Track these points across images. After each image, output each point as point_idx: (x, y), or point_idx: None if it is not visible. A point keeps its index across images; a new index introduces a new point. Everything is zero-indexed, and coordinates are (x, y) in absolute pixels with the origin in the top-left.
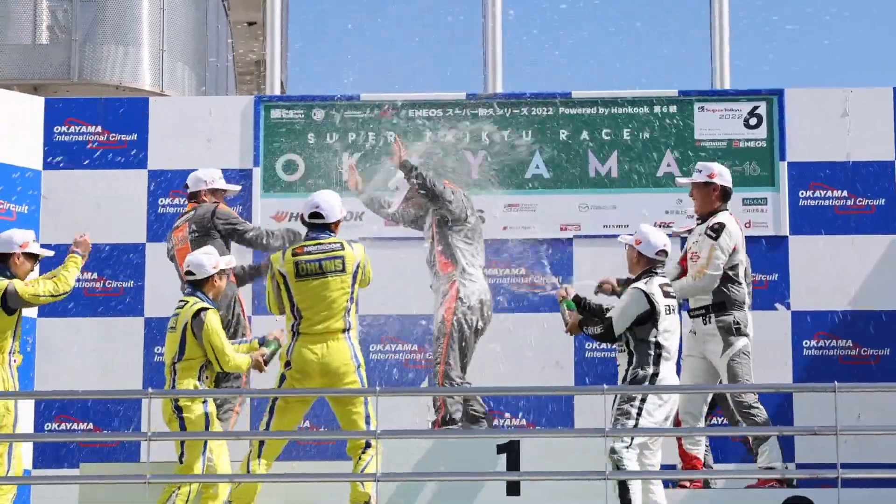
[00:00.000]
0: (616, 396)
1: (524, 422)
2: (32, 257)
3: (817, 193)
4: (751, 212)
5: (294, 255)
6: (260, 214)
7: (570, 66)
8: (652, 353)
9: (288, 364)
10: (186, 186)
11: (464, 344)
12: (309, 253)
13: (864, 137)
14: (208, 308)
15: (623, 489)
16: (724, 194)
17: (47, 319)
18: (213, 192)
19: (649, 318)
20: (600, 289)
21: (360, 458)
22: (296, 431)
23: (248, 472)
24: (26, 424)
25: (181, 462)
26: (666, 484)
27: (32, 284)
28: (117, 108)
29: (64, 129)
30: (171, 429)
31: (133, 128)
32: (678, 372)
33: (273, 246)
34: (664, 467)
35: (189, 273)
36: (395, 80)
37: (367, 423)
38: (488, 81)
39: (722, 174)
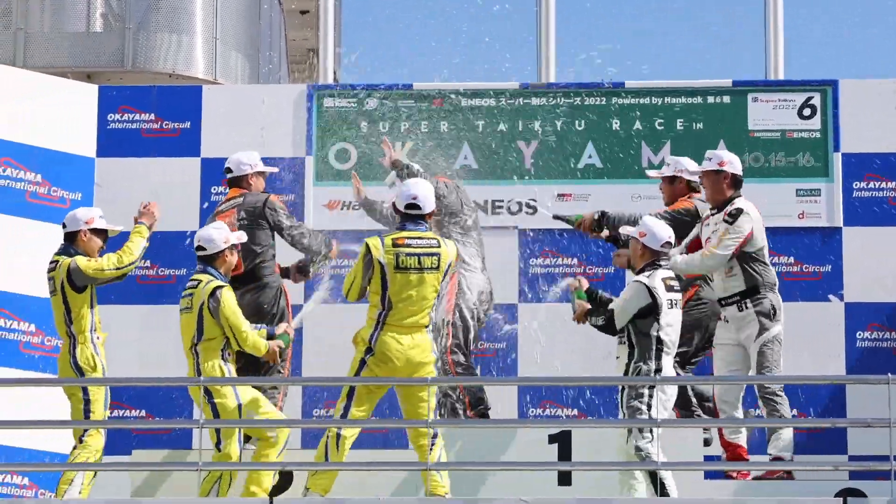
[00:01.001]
0: (623, 393)
1: (575, 412)
2: (100, 234)
3: (871, 184)
4: (804, 203)
5: (395, 245)
6: (312, 203)
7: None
8: (653, 347)
9: (370, 351)
10: (228, 170)
11: (466, 332)
12: (409, 246)
13: None
14: (223, 286)
15: (655, 482)
16: (735, 182)
17: (100, 307)
18: (257, 174)
19: (651, 312)
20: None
21: (430, 451)
22: (346, 420)
23: (327, 459)
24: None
25: (219, 450)
26: (714, 475)
27: (97, 260)
28: (170, 96)
29: (117, 116)
30: (205, 415)
31: (186, 116)
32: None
33: (309, 249)
34: (708, 458)
35: (199, 248)
36: (449, 69)
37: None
38: (542, 71)
39: (732, 162)
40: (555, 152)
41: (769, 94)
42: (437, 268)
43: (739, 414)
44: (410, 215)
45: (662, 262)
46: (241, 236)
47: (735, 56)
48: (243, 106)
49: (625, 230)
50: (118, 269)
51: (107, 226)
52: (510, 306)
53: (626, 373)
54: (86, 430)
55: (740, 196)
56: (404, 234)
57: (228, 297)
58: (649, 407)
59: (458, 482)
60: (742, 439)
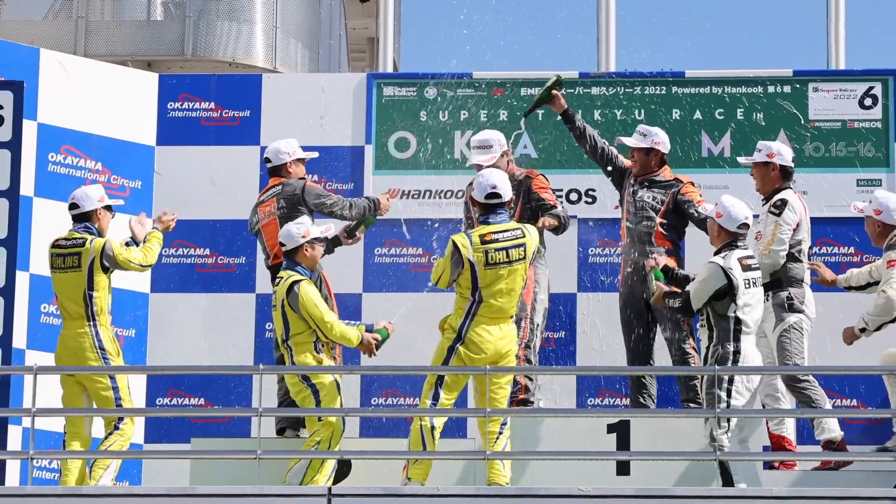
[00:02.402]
0: (704, 379)
1: None
2: (109, 210)
3: None
4: (865, 193)
5: (483, 242)
6: (372, 192)
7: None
8: (731, 328)
9: (460, 339)
10: (268, 160)
11: (537, 326)
12: (497, 241)
13: None
14: (301, 279)
15: (726, 473)
16: (784, 173)
17: (160, 295)
18: (296, 161)
19: (727, 292)
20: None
21: (495, 441)
22: (401, 407)
23: (424, 448)
24: (138, 399)
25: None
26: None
27: (128, 250)
28: (230, 84)
29: (177, 105)
30: (301, 400)
31: (246, 104)
32: None
33: (351, 216)
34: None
35: (282, 245)
36: (508, 58)
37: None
38: (601, 60)
39: (781, 153)
40: (614, 142)
41: (830, 83)
42: (524, 258)
43: (784, 405)
44: (491, 205)
45: (740, 243)
46: (327, 228)
47: (796, 45)
48: (303, 94)
49: (703, 208)
50: (141, 266)
51: (112, 201)
52: (570, 296)
53: (706, 356)
54: (121, 418)
55: (789, 188)
56: (490, 228)
57: (307, 290)
58: (729, 393)
59: (517, 472)
60: (787, 430)
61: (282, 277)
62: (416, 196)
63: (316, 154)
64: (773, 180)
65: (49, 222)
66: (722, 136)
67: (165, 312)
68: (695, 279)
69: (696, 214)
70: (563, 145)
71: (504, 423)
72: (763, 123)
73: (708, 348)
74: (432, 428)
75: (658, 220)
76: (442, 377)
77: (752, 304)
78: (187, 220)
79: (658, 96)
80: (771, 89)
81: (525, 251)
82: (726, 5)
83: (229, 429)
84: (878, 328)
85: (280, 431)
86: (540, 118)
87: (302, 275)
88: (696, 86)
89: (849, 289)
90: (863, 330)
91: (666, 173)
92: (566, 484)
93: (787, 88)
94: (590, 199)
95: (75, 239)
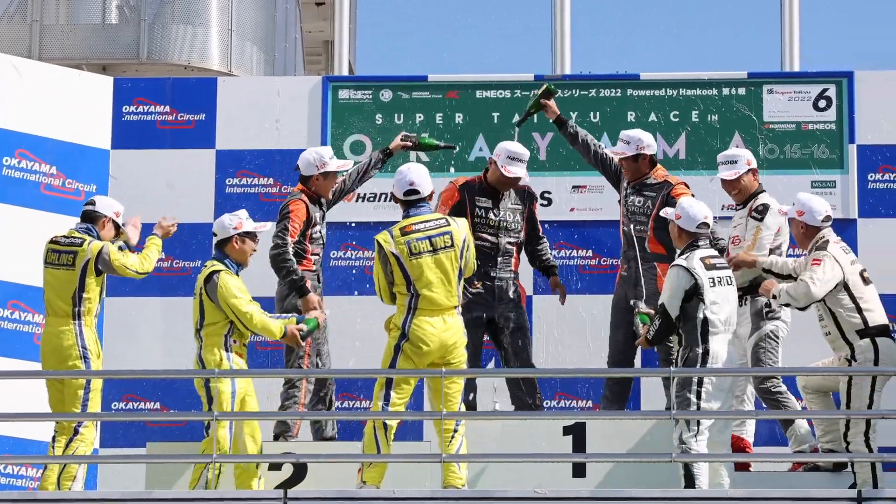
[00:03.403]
0: (674, 383)
1: (590, 404)
2: (117, 228)
3: (887, 176)
4: (819, 195)
5: (403, 234)
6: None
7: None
8: (699, 329)
9: (404, 336)
10: (297, 168)
11: None
12: (418, 231)
13: None
14: (221, 270)
15: (689, 475)
16: (755, 176)
17: (116, 299)
18: (325, 175)
19: (694, 293)
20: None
21: (451, 439)
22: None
23: (378, 449)
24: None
25: (207, 434)
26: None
27: (125, 255)
28: (185, 88)
29: (132, 108)
30: (202, 399)
31: (201, 108)
32: None
33: (367, 171)
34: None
35: (214, 234)
36: (463, 61)
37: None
38: (556, 63)
39: (751, 157)
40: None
41: (784, 85)
42: (452, 245)
43: (748, 407)
44: (412, 201)
45: (701, 243)
46: (260, 227)
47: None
48: (258, 98)
49: (664, 212)
50: (137, 272)
51: (120, 224)
52: (526, 298)
53: (676, 360)
54: (80, 422)
55: (764, 192)
56: (410, 220)
57: (227, 279)
58: (698, 395)
59: (473, 474)
60: (746, 433)
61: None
62: (371, 199)
63: (349, 163)
64: (751, 184)
65: (3, 226)
66: (677, 138)
67: (121, 316)
68: (663, 292)
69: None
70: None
71: (459, 421)
72: (718, 126)
73: (678, 352)
74: (385, 427)
75: (650, 224)
76: (389, 379)
77: (719, 303)
78: (143, 223)
79: (613, 99)
80: (726, 91)
81: (452, 239)
82: (681, 7)
83: (185, 433)
84: (785, 305)
85: (276, 437)
86: (495, 121)
87: (228, 267)
88: (651, 88)
89: (767, 272)
90: (775, 297)
91: (658, 174)
92: (522, 486)
93: (741, 91)
94: (545, 202)
95: (74, 238)
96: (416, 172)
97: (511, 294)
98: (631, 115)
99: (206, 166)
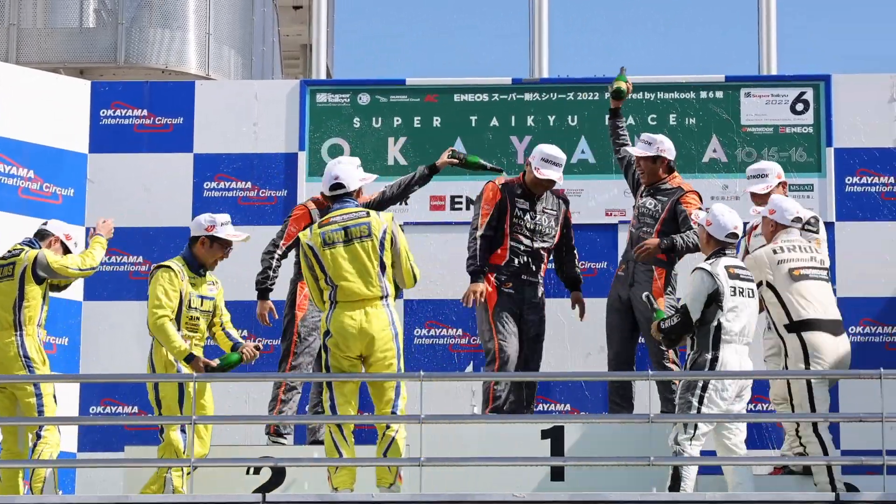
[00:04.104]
0: (679, 386)
1: (568, 407)
2: (66, 249)
3: (864, 179)
4: (797, 198)
5: (320, 227)
6: (305, 199)
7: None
8: (711, 335)
9: (328, 333)
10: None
11: None
12: (335, 222)
13: None
14: (166, 265)
15: (675, 477)
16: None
17: (93, 303)
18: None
19: (714, 299)
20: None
21: (384, 433)
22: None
23: (340, 454)
24: (71, 407)
25: (161, 437)
26: (708, 470)
27: (63, 256)
28: (163, 91)
29: (110, 112)
30: (151, 397)
31: (179, 111)
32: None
33: (401, 192)
34: (704, 453)
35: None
36: (441, 65)
37: (398, 395)
38: (534, 66)
39: (780, 171)
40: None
41: (762, 89)
42: (369, 235)
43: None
44: (337, 196)
45: (728, 251)
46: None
47: (728, 51)
48: (236, 101)
49: (695, 216)
50: (80, 270)
51: (73, 244)
52: None
53: (686, 364)
54: (42, 426)
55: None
56: (330, 215)
57: (160, 277)
58: (701, 400)
59: (451, 478)
60: None
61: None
62: None
63: (374, 176)
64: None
65: None
66: None
67: (99, 320)
68: (685, 293)
69: (684, 227)
70: (496, 151)
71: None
72: (696, 129)
73: (689, 356)
74: (341, 428)
75: (657, 227)
76: (329, 381)
77: (737, 312)
78: (121, 227)
79: (591, 102)
80: (703, 95)
81: (369, 229)
82: (659, 11)
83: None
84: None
85: (270, 435)
86: (473, 124)
87: (188, 264)
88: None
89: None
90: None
91: (674, 181)
92: (500, 490)
93: (719, 94)
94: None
95: (14, 250)
96: (342, 167)
97: (536, 299)
98: (609, 118)
99: (183, 170)
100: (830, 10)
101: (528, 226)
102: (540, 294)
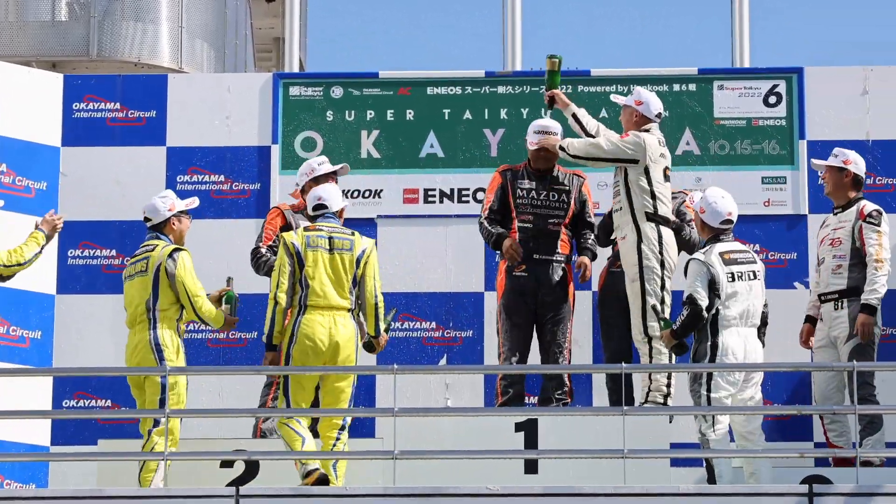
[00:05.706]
0: (688, 379)
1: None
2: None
3: None
4: (770, 190)
5: (306, 230)
6: (278, 192)
7: (590, 44)
8: (708, 323)
9: (292, 339)
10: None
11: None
12: (321, 230)
13: (885, 116)
14: (183, 249)
15: (709, 470)
16: (856, 182)
17: (66, 296)
18: (315, 179)
19: (711, 288)
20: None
21: (336, 440)
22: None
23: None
24: (44, 401)
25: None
26: (680, 463)
27: None
28: (136, 84)
29: (83, 105)
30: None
31: (152, 105)
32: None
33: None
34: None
35: (147, 219)
36: (414, 58)
37: (351, 403)
38: (507, 59)
39: (857, 162)
40: (521, 140)
41: (735, 81)
42: (350, 249)
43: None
44: (319, 214)
45: (723, 237)
46: (191, 202)
47: (701, 44)
48: (208, 94)
49: (690, 201)
50: (6, 266)
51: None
52: (477, 294)
53: (692, 354)
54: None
55: (861, 198)
56: (317, 223)
57: (187, 259)
58: (708, 388)
59: (425, 471)
60: (844, 443)
61: (154, 245)
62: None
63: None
64: (846, 187)
65: None
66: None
67: (72, 314)
68: (686, 284)
69: (683, 233)
70: (469, 144)
71: (342, 428)
72: (669, 122)
73: (693, 346)
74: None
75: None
76: (285, 381)
77: (736, 297)
78: (93, 220)
79: (564, 94)
80: (676, 87)
81: (351, 245)
82: (632, 4)
83: (137, 430)
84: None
85: (263, 434)
86: (446, 117)
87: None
88: (602, 84)
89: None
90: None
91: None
92: (474, 483)
93: (692, 87)
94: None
95: None
96: (327, 189)
97: (556, 279)
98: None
99: (156, 163)
100: (803, 3)
101: (534, 203)
102: (560, 274)
